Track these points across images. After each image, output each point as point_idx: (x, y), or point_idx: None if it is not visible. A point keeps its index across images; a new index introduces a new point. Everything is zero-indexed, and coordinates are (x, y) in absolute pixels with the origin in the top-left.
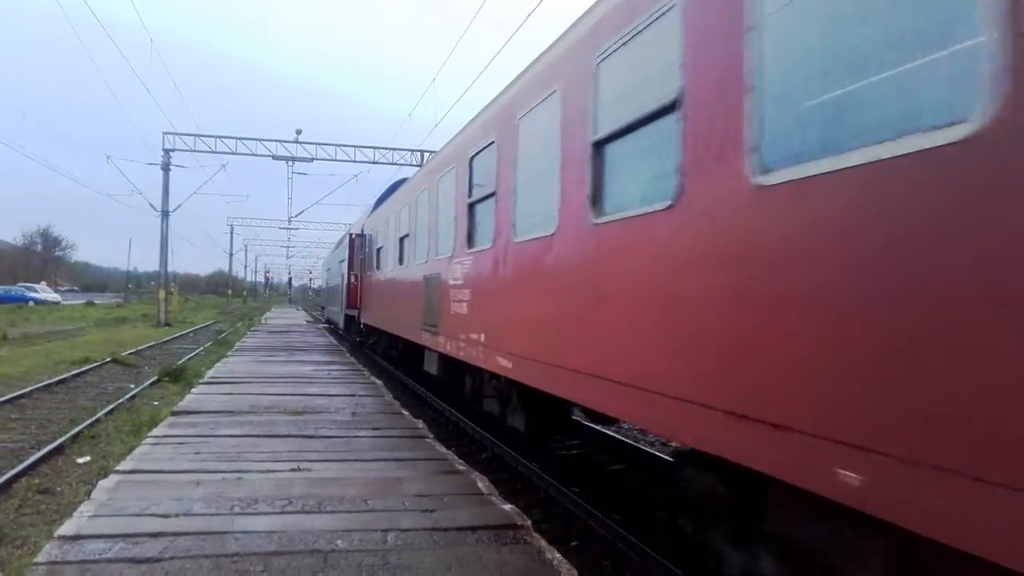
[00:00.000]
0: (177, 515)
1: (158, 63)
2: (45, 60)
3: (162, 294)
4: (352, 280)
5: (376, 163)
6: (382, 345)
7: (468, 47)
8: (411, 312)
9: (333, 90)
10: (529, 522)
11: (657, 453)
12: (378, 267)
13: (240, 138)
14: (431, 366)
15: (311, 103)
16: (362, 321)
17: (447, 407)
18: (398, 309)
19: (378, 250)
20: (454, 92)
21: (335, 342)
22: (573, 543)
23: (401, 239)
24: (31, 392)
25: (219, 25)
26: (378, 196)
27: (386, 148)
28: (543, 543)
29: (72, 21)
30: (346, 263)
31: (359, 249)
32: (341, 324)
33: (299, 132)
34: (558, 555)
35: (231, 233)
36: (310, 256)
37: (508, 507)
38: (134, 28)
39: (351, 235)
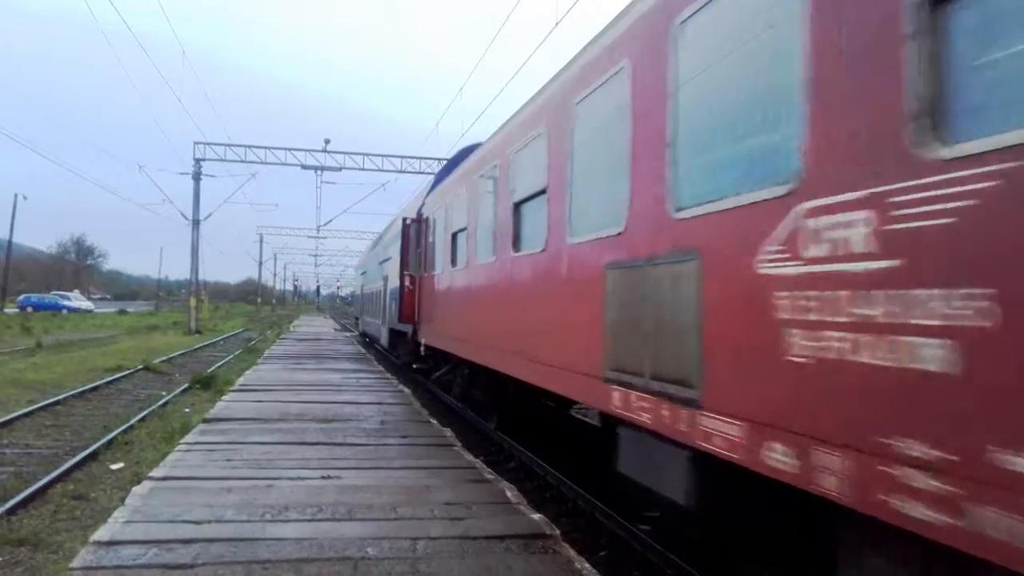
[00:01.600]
0: (209, 522)
1: (189, 74)
2: (79, 72)
3: (193, 302)
4: (407, 283)
5: (403, 172)
6: (460, 384)
7: (495, 57)
8: (553, 337)
9: (359, 102)
10: (558, 532)
11: None
12: (454, 261)
13: (269, 147)
14: (652, 475)
15: (338, 115)
16: (422, 340)
17: (475, 416)
18: (509, 328)
19: (454, 236)
20: (481, 102)
21: (363, 350)
22: (602, 553)
23: (516, 206)
24: (65, 399)
25: (247, 40)
26: (437, 171)
27: (413, 157)
28: (572, 553)
29: (106, 34)
30: (396, 260)
31: (416, 240)
32: (384, 341)
33: (327, 142)
34: (588, 565)
35: (260, 242)
36: (338, 264)
37: (537, 516)
38: (166, 41)
39: (405, 221)
